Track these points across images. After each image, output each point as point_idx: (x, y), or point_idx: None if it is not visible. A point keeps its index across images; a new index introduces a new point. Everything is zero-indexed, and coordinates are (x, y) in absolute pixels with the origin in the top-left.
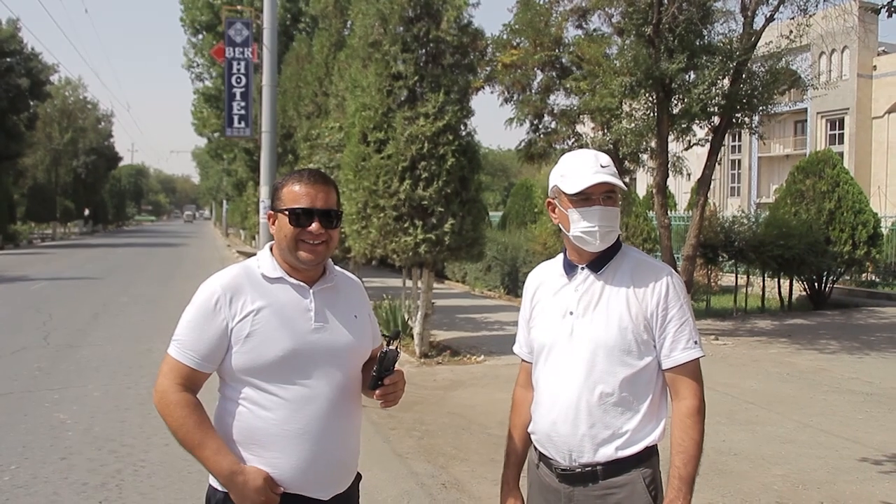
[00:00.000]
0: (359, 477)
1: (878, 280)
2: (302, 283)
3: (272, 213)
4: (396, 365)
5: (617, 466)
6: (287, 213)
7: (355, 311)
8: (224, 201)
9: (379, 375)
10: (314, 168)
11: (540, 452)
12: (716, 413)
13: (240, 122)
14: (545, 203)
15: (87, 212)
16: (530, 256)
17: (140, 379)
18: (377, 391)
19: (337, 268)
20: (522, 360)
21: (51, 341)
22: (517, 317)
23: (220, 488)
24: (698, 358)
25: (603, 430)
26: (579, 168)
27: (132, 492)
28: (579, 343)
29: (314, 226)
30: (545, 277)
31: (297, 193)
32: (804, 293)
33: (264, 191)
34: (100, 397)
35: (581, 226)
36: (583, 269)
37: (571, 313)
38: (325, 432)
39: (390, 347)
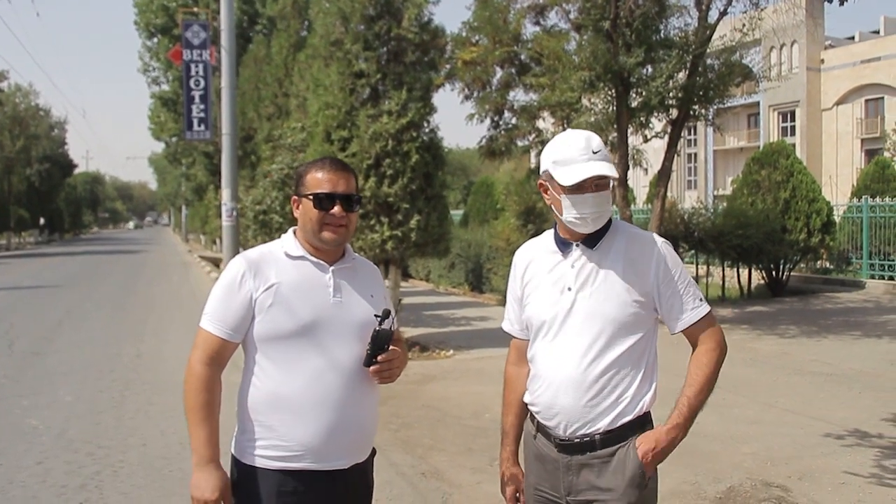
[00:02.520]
0: (373, 451)
1: (832, 267)
2: (322, 262)
3: (296, 197)
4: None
5: (613, 435)
6: (311, 197)
7: (372, 291)
8: (183, 206)
9: (373, 353)
10: (333, 157)
11: (538, 423)
12: None
13: (199, 125)
14: (537, 184)
15: (42, 221)
16: (493, 253)
17: (111, 383)
18: (371, 368)
19: (357, 255)
20: (513, 338)
21: (15, 349)
22: (483, 312)
23: (244, 460)
24: (708, 313)
25: (603, 401)
26: (572, 155)
27: (113, 492)
28: (579, 318)
29: (336, 209)
30: (535, 254)
31: (320, 179)
32: (763, 281)
33: (226, 193)
34: (72, 402)
35: (573, 213)
36: (577, 245)
37: (570, 289)
38: (344, 401)
39: (383, 327)
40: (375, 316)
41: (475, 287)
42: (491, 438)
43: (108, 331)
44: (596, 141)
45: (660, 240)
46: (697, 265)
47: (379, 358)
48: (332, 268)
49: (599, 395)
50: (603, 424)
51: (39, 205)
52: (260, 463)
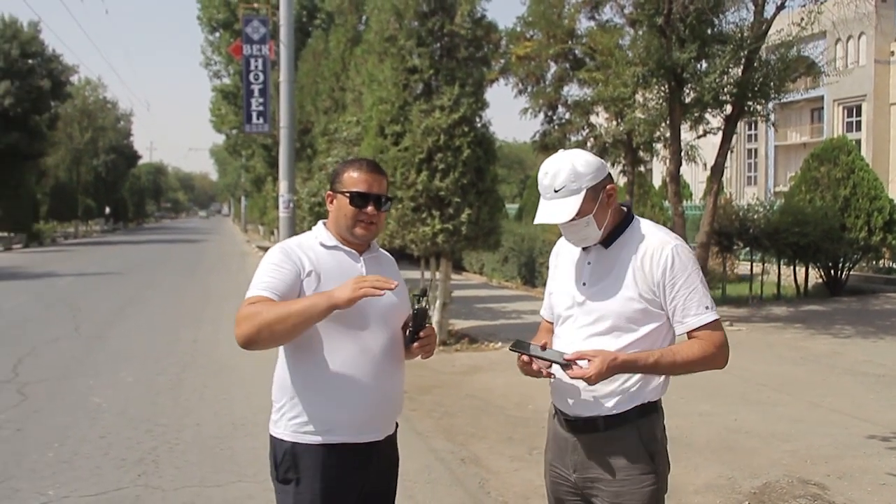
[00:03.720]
0: (396, 425)
1: (894, 266)
2: (353, 251)
3: (331, 193)
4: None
5: (617, 419)
6: (348, 195)
7: (396, 279)
8: (242, 197)
9: (416, 330)
10: (370, 159)
11: (552, 402)
12: (728, 394)
13: (258, 119)
14: None
15: (107, 210)
16: (547, 247)
17: (168, 366)
18: (415, 344)
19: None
20: (545, 322)
21: (81, 332)
22: (534, 306)
23: (286, 438)
24: (713, 321)
25: (604, 387)
26: (541, 190)
27: (168, 466)
28: (588, 310)
29: (370, 208)
30: (567, 247)
31: (356, 179)
32: (820, 280)
33: (283, 185)
34: (132, 383)
35: (564, 235)
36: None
37: (584, 284)
38: (376, 379)
39: (421, 305)
40: (414, 295)
41: (528, 281)
42: (532, 428)
43: (168, 317)
44: (562, 176)
45: (672, 242)
46: (753, 263)
47: (421, 334)
48: (362, 257)
49: (601, 382)
50: (607, 408)
51: (105, 194)
52: (301, 439)
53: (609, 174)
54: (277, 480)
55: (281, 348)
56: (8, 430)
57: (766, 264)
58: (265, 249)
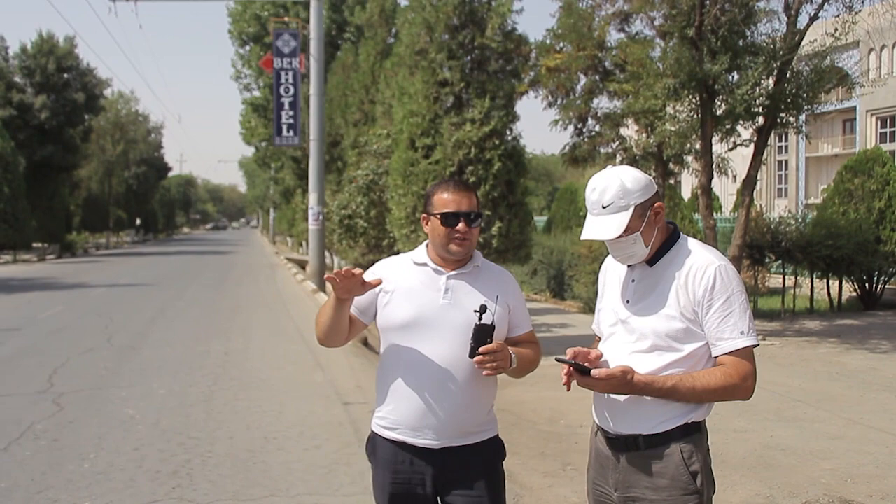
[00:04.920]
0: (494, 444)
1: None
2: (440, 269)
3: (426, 215)
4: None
5: (658, 438)
6: (439, 216)
7: (497, 293)
8: (271, 209)
9: (476, 345)
10: (456, 178)
11: (594, 419)
12: (763, 410)
13: (288, 131)
14: None
15: (138, 221)
16: (576, 260)
17: (200, 378)
18: (475, 360)
19: (489, 262)
20: (596, 337)
21: (113, 343)
22: (563, 319)
23: (372, 428)
24: (746, 347)
25: (645, 406)
26: (588, 206)
27: (202, 479)
28: (632, 330)
29: (461, 225)
30: (614, 264)
31: (446, 200)
32: (854, 294)
33: (313, 197)
34: (164, 395)
35: (610, 252)
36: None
37: (628, 301)
38: (436, 387)
39: (483, 321)
40: (474, 311)
41: (557, 294)
42: (564, 444)
43: (198, 328)
44: (611, 192)
45: (716, 262)
46: (785, 276)
47: (480, 350)
48: (448, 273)
49: (642, 400)
50: (648, 426)
51: (136, 205)
52: (377, 430)
53: (657, 192)
54: (368, 459)
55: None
56: (45, 440)
57: (798, 277)
58: (294, 262)
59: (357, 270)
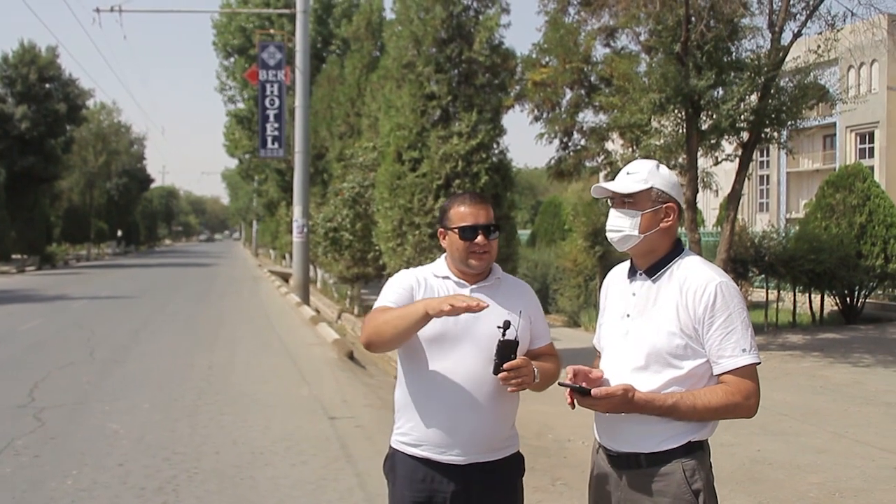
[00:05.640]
0: (516, 460)
1: None
2: (462, 281)
3: (443, 230)
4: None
5: (660, 456)
6: (457, 230)
7: (520, 308)
8: (254, 221)
9: (500, 362)
10: (473, 190)
11: (595, 437)
12: (749, 424)
13: (273, 143)
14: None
15: (119, 233)
16: (560, 273)
17: (185, 392)
18: (500, 376)
19: (508, 274)
20: (597, 353)
21: (96, 356)
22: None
23: (392, 445)
24: (748, 365)
25: (646, 424)
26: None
27: (188, 496)
28: (631, 344)
29: (479, 238)
30: (616, 279)
31: (463, 213)
32: (836, 308)
33: (298, 210)
34: (149, 409)
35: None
36: (641, 274)
37: (628, 315)
38: (460, 403)
39: (506, 337)
40: (498, 327)
41: (542, 307)
42: (553, 459)
43: (182, 342)
44: (642, 167)
45: (717, 279)
46: (768, 290)
47: (504, 366)
48: (471, 286)
49: (642, 417)
50: (648, 445)
51: (118, 217)
52: (398, 447)
53: (679, 202)
54: (385, 476)
55: (399, 367)
56: (26, 457)
57: (781, 291)
58: (277, 274)
59: (484, 304)
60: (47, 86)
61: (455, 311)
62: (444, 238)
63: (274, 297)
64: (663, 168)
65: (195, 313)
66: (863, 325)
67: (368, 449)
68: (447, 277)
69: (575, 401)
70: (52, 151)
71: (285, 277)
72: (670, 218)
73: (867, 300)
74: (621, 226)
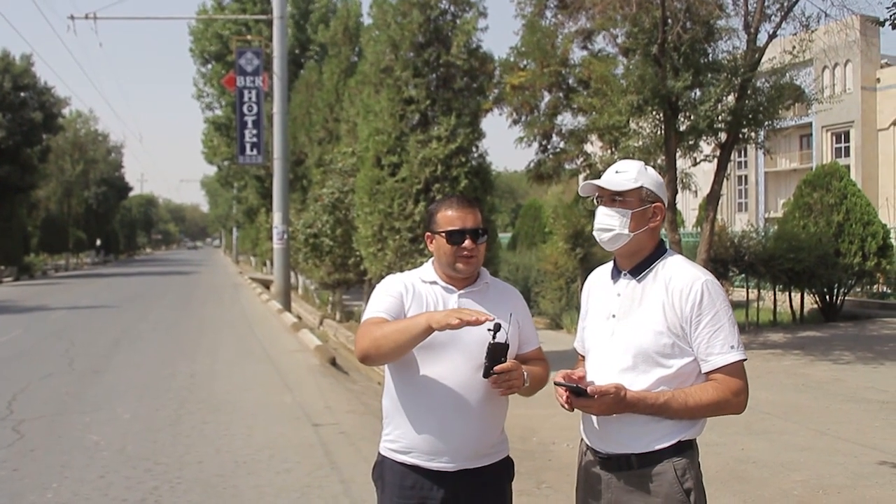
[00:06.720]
0: (505, 465)
1: (889, 291)
2: (450, 286)
3: (430, 234)
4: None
5: (650, 457)
6: (444, 234)
7: (500, 315)
8: (234, 229)
9: (490, 365)
10: (459, 194)
11: (582, 438)
12: (732, 423)
13: (252, 150)
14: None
15: (98, 242)
16: (541, 276)
17: (167, 402)
18: (490, 380)
19: (495, 278)
20: (579, 356)
21: (76, 367)
22: None
23: (381, 452)
24: (737, 361)
25: (634, 422)
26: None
27: None
28: (617, 345)
29: (467, 242)
30: (598, 280)
31: (450, 217)
32: (816, 306)
33: (277, 217)
34: (129, 419)
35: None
36: (625, 274)
37: (614, 316)
38: (449, 408)
39: (496, 340)
40: (488, 330)
41: None
42: (537, 462)
43: (163, 350)
44: (630, 166)
45: (702, 278)
46: (748, 289)
47: (495, 369)
48: (459, 291)
49: (632, 417)
50: (638, 446)
51: (96, 226)
52: (387, 454)
53: (665, 203)
54: (374, 484)
55: (386, 373)
56: (4, 471)
57: (761, 290)
58: (258, 281)
59: (489, 317)
60: (22, 94)
61: (461, 325)
62: (431, 242)
63: (255, 305)
64: (650, 169)
65: (176, 322)
66: (842, 322)
67: (353, 455)
68: (435, 283)
69: (570, 402)
70: (28, 161)
71: (266, 284)
72: (657, 218)
73: (846, 298)
74: (611, 224)
